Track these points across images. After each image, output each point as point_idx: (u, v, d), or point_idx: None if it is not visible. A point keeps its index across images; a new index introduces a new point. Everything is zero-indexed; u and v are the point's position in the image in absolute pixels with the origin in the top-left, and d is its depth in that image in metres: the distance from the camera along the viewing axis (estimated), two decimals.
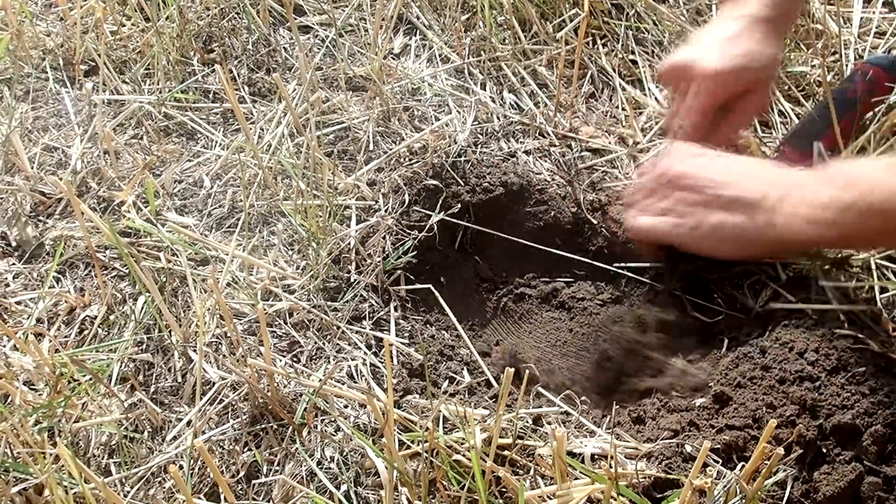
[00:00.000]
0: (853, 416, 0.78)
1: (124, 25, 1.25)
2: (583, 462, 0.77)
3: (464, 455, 0.76)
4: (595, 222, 1.03)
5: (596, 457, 0.78)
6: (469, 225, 1.01)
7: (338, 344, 0.88)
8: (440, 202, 1.00)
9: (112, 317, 0.92)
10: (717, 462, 0.76)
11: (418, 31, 1.24)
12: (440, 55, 1.20)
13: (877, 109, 1.02)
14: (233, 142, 1.07)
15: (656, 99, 1.16)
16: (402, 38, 1.23)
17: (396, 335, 0.89)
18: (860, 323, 0.86)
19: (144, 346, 0.90)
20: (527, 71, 1.18)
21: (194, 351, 0.87)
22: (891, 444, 0.78)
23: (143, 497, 0.79)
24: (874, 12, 1.23)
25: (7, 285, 0.97)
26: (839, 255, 0.91)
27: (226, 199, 1.02)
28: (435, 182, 1.01)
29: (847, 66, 1.14)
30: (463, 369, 0.89)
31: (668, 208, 0.91)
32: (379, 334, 0.89)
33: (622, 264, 1.01)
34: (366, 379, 0.85)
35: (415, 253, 0.96)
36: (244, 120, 1.01)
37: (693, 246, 0.91)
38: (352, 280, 0.93)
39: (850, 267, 0.92)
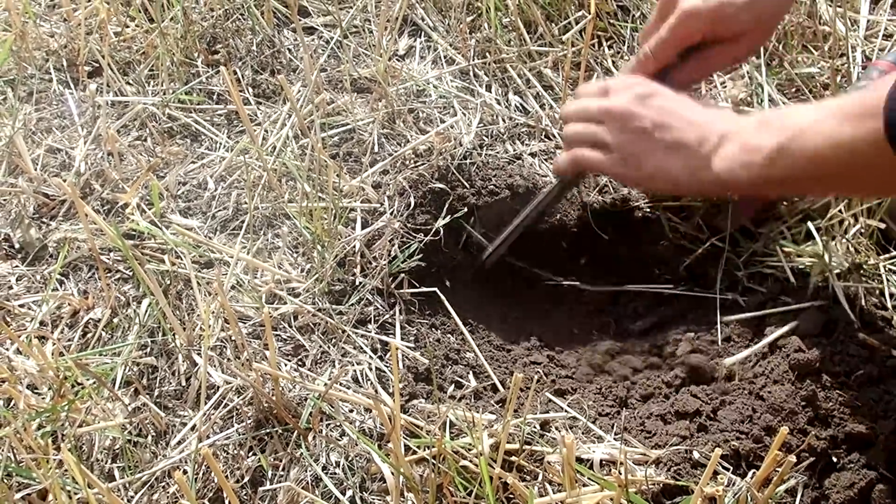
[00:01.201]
0: (864, 422, 0.77)
1: (128, 26, 1.24)
2: (591, 468, 0.76)
3: (471, 461, 0.75)
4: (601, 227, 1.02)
5: (604, 463, 0.77)
6: (473, 232, 1.01)
7: (343, 348, 0.87)
8: (446, 205, 0.99)
9: (116, 320, 0.92)
10: (728, 470, 0.76)
11: (423, 33, 1.24)
12: (445, 57, 1.20)
13: None
14: (237, 144, 1.07)
15: None
16: (407, 39, 1.23)
17: (402, 339, 0.89)
18: (871, 328, 0.86)
19: (148, 349, 0.89)
20: (532, 73, 1.18)
21: (199, 354, 0.86)
22: None
23: (147, 502, 0.79)
24: (882, 14, 1.22)
25: (10, 288, 0.96)
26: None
27: (230, 202, 1.01)
28: (440, 185, 1.00)
29: (854, 68, 1.13)
30: (468, 373, 0.88)
31: (608, 142, 0.91)
32: (385, 338, 0.88)
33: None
34: (371, 383, 0.84)
35: (420, 256, 0.95)
36: (249, 121, 1.00)
37: (631, 183, 0.97)
38: (357, 283, 0.92)
39: (862, 271, 0.91)
